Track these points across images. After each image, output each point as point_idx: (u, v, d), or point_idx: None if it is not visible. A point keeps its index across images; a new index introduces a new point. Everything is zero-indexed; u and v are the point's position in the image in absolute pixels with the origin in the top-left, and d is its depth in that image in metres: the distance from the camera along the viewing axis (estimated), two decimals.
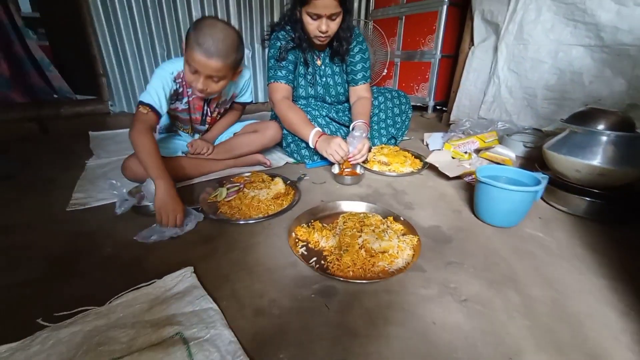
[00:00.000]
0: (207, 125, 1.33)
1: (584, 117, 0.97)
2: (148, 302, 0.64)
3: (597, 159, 0.91)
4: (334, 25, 1.20)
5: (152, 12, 1.97)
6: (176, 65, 1.11)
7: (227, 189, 1.07)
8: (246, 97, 1.38)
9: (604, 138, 0.91)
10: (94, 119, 1.97)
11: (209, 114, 1.29)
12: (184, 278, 0.71)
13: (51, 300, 0.64)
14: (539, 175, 0.89)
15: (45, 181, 1.22)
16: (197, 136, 1.36)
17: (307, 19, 1.19)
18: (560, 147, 0.99)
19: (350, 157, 1.20)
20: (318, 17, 1.16)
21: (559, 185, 1.01)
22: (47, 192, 1.13)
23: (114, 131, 1.92)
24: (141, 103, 1.04)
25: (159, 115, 1.06)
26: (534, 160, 1.27)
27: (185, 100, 1.20)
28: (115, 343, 0.54)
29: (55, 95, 1.94)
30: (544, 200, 1.06)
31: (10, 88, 1.80)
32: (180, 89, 1.16)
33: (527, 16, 1.59)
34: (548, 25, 1.53)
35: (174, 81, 1.12)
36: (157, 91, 1.06)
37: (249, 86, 1.35)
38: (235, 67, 1.07)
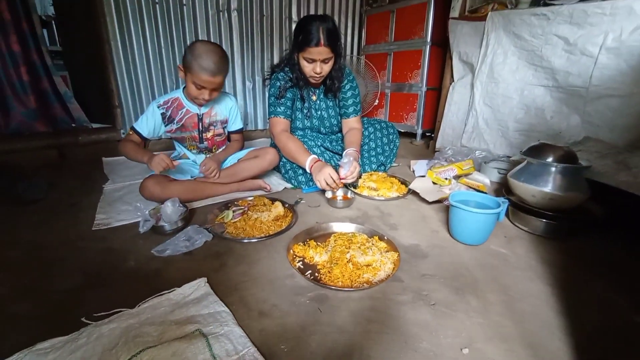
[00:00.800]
0: (205, 143, 1.52)
1: (538, 151, 1.15)
2: (170, 305, 0.78)
3: (548, 186, 1.08)
4: (327, 67, 1.40)
5: (165, 50, 2.20)
6: (161, 98, 1.42)
7: (233, 211, 1.22)
8: (237, 124, 1.61)
9: (553, 169, 1.09)
10: (107, 146, 2.14)
11: (204, 130, 1.49)
12: (199, 287, 0.84)
13: (90, 304, 0.77)
14: (500, 199, 1.05)
15: (69, 204, 1.36)
16: (203, 156, 1.55)
17: (303, 62, 1.39)
18: (519, 175, 1.17)
19: (342, 179, 1.35)
20: (313, 61, 1.36)
21: (520, 208, 1.17)
22: (73, 213, 1.27)
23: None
24: (132, 128, 1.40)
25: (142, 137, 1.39)
26: (506, 185, 1.44)
27: (176, 120, 1.42)
28: (147, 336, 0.67)
29: (73, 125, 2.12)
30: (511, 221, 1.22)
31: (35, 119, 1.98)
32: (168, 113, 1.41)
33: (496, 59, 1.82)
34: (514, 67, 1.75)
35: (159, 107, 1.40)
36: (142, 120, 1.39)
37: (237, 114, 1.59)
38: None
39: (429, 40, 2.32)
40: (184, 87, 1.40)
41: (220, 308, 0.76)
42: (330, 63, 1.39)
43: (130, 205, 1.33)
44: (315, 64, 1.36)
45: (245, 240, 1.06)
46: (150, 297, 0.78)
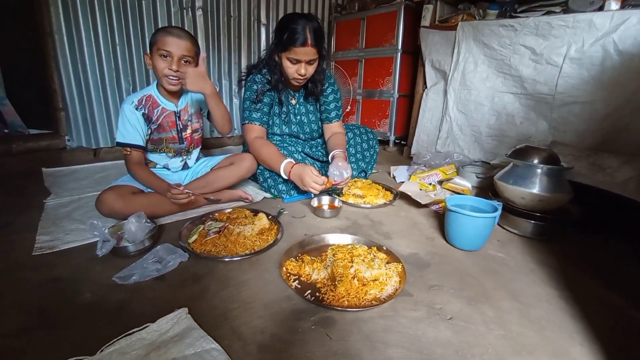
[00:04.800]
0: (185, 143, 1.34)
1: (522, 153, 1.17)
2: (143, 347, 0.62)
3: (536, 188, 1.09)
4: (311, 69, 1.32)
5: (120, 48, 1.96)
6: (132, 97, 1.22)
7: (207, 228, 1.06)
8: None
9: (539, 170, 1.10)
10: (48, 155, 1.84)
11: (183, 127, 1.32)
12: (179, 320, 0.69)
13: (35, 353, 0.60)
14: (494, 202, 1.04)
15: (0, 224, 1.11)
16: (178, 159, 1.37)
17: (286, 63, 1.29)
18: (507, 178, 1.17)
19: (337, 183, 1.27)
20: (298, 61, 1.27)
21: (509, 210, 1.17)
22: (4, 236, 1.03)
23: (71, 167, 1.80)
24: (119, 144, 1.20)
25: (140, 148, 1.22)
26: (486, 189, 1.46)
27: (153, 120, 1.24)
28: None
29: (5, 130, 1.79)
30: (499, 225, 1.22)
31: None
32: (146, 111, 1.23)
33: (467, 67, 1.88)
34: (484, 75, 1.82)
35: (137, 109, 1.21)
36: (126, 128, 1.19)
37: None
38: (197, 55, 1.21)
39: (400, 47, 2.35)
40: (157, 83, 1.25)
41: (209, 345, 0.63)
42: (315, 65, 1.32)
43: (82, 222, 1.12)
44: (300, 65, 1.27)
45: (227, 259, 0.93)
46: (117, 337, 0.63)
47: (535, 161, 1.12)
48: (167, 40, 1.13)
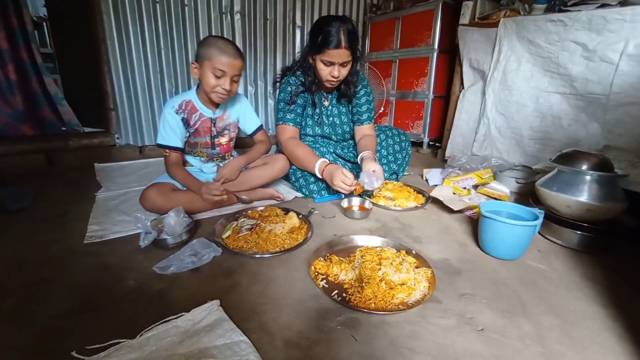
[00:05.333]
0: (218, 149, 1.39)
1: (569, 158, 1.09)
2: (178, 335, 0.66)
3: (584, 196, 1.01)
4: (344, 71, 1.32)
5: (165, 51, 2.10)
6: (172, 102, 1.27)
7: (240, 225, 1.10)
8: (254, 122, 1.46)
9: (588, 177, 1.02)
10: (100, 151, 2.01)
11: (216, 134, 1.36)
12: (211, 311, 0.73)
13: (82, 333, 0.66)
14: (535, 210, 0.98)
15: (56, 214, 1.23)
16: (211, 164, 1.42)
17: (320, 65, 1.30)
18: (551, 184, 1.09)
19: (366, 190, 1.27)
20: (331, 63, 1.28)
21: (552, 219, 1.09)
22: (61, 225, 1.14)
23: (119, 163, 1.96)
24: (159, 146, 1.27)
25: (178, 150, 1.28)
26: (526, 195, 1.38)
27: (191, 124, 1.29)
28: None
29: (63, 128, 1.98)
30: (540, 234, 1.14)
31: (22, 121, 1.84)
32: (185, 116, 1.28)
33: (509, 66, 1.78)
34: (528, 74, 1.71)
35: (177, 113, 1.26)
36: (166, 131, 1.25)
37: (250, 111, 1.45)
38: None
39: (436, 47, 2.28)
40: (197, 89, 1.29)
41: (238, 337, 0.65)
42: (348, 67, 1.32)
43: (128, 215, 1.21)
44: (334, 67, 1.28)
45: (258, 256, 0.96)
46: (154, 324, 0.67)
47: (584, 167, 1.04)
48: (223, 60, 1.15)
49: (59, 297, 0.76)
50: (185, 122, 1.28)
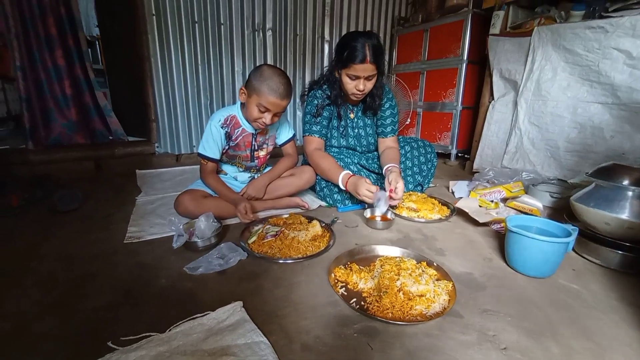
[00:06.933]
0: (256, 161, 1.46)
1: (609, 172, 1.02)
2: (204, 332, 0.71)
3: (625, 213, 0.94)
4: (370, 85, 1.35)
5: (202, 68, 2.25)
6: (219, 115, 1.34)
7: (266, 231, 1.15)
8: (286, 133, 1.51)
9: (630, 193, 0.95)
10: (141, 158, 2.17)
11: (256, 148, 1.43)
12: (234, 311, 0.77)
13: (118, 325, 0.72)
14: (569, 226, 0.93)
15: (102, 215, 1.35)
16: (247, 174, 1.49)
17: (346, 79, 1.34)
18: (587, 199, 1.03)
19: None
20: (357, 77, 1.31)
21: (589, 237, 1.03)
22: (105, 225, 1.26)
23: (158, 170, 2.10)
24: (199, 155, 1.34)
25: (215, 161, 1.35)
26: (561, 210, 1.30)
27: (232, 138, 1.36)
28: None
29: (110, 137, 2.18)
30: (576, 252, 1.07)
31: (75, 131, 2.05)
32: (229, 130, 1.35)
33: (544, 75, 1.71)
34: (564, 84, 1.64)
35: (222, 127, 1.33)
36: (209, 143, 1.32)
37: (284, 123, 1.50)
38: None
39: (465, 58, 2.25)
40: (242, 105, 1.35)
41: (258, 338, 0.68)
42: (373, 80, 1.34)
43: (163, 218, 1.30)
44: (359, 81, 1.31)
45: (282, 261, 0.99)
46: (182, 320, 0.72)
47: (626, 182, 0.97)
48: (271, 100, 1.19)
49: (100, 291, 0.84)
50: (228, 136, 1.35)
